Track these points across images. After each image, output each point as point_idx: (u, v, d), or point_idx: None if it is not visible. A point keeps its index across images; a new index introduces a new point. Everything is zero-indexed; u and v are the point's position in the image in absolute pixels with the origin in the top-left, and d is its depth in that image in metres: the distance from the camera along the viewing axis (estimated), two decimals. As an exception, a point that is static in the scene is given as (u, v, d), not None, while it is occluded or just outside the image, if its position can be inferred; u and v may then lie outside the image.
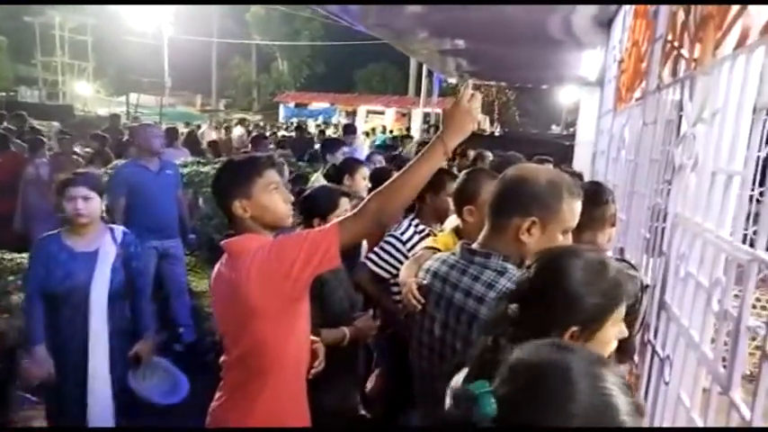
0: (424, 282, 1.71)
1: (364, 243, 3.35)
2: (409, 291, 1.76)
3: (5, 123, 9.35)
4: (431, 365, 1.67)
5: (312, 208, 2.50)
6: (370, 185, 4.06)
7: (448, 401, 1.06)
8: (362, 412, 2.68)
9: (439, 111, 18.06)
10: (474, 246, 1.60)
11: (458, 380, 1.12)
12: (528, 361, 0.81)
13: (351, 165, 3.75)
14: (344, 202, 2.53)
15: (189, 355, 4.52)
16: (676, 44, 2.08)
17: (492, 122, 28.55)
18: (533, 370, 0.79)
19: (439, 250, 2.08)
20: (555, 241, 1.48)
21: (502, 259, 1.52)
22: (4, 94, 23.07)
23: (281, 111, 29.54)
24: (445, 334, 1.60)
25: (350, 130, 7.94)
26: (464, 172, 2.62)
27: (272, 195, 1.83)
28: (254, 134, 11.63)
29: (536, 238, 1.47)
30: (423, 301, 1.70)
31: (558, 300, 1.13)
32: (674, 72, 2.11)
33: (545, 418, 0.75)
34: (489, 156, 5.76)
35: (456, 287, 1.58)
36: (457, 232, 2.57)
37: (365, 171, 3.71)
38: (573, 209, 1.49)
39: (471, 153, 6.20)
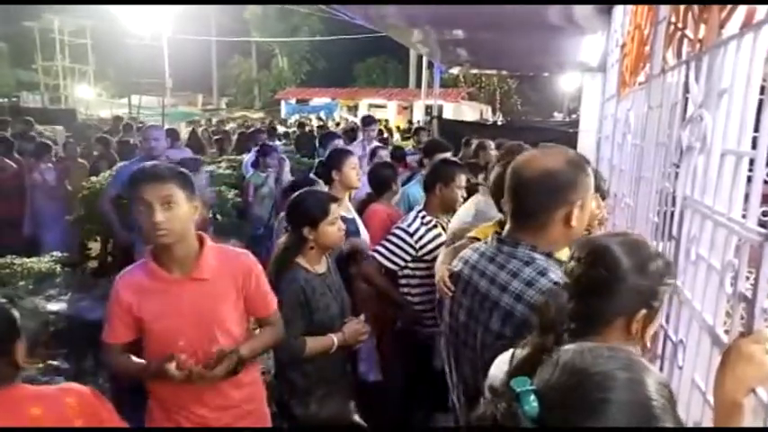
0: (456, 269, 1.75)
1: (366, 237, 3.31)
2: (441, 278, 1.84)
3: (10, 129, 9.36)
4: (456, 351, 1.72)
5: (301, 216, 2.41)
6: (362, 176, 3.97)
7: (485, 395, 1.06)
8: (358, 420, 2.67)
9: (441, 102, 18.02)
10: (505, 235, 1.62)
11: (495, 373, 1.12)
12: (572, 364, 0.79)
13: (336, 157, 3.47)
14: (334, 209, 2.45)
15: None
16: (680, 25, 2.06)
17: (494, 112, 28.48)
18: (577, 375, 0.77)
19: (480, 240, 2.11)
20: (589, 211, 1.56)
21: (529, 249, 1.53)
22: (6, 99, 23.14)
23: (283, 107, 29.51)
24: (468, 320, 1.64)
25: (369, 121, 7.03)
26: (500, 164, 2.52)
27: None
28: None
29: (580, 217, 1.51)
30: (452, 288, 1.74)
31: (623, 288, 1.14)
32: (679, 54, 2.08)
33: (585, 425, 0.74)
34: (491, 145, 5.77)
35: (483, 274, 1.61)
36: (501, 224, 2.57)
37: (354, 160, 3.46)
38: (592, 176, 1.55)
39: (474, 143, 6.19)
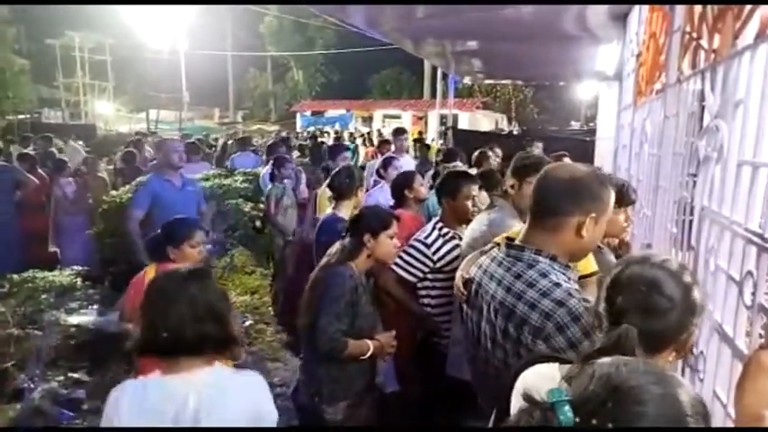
0: (471, 275, 1.81)
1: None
2: (456, 284, 1.93)
3: (32, 145, 9.55)
4: (475, 350, 1.77)
5: (366, 223, 2.55)
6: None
7: (517, 403, 1.07)
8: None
9: (456, 112, 18.02)
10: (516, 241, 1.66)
11: (524, 382, 1.13)
12: (608, 377, 0.80)
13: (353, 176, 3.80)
14: (395, 225, 2.60)
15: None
16: (695, 35, 2.06)
17: (510, 121, 28.41)
18: (613, 387, 0.78)
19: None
20: (602, 231, 1.57)
21: (534, 252, 1.56)
22: (28, 116, 23.61)
23: (298, 120, 29.72)
24: (480, 320, 1.70)
25: (399, 131, 6.80)
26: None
27: None
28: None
29: (592, 232, 1.53)
30: (465, 293, 1.82)
31: (678, 314, 1.14)
32: (694, 64, 2.08)
33: None
34: (499, 153, 5.86)
35: (492, 277, 1.67)
36: None
37: None
38: (612, 198, 1.57)
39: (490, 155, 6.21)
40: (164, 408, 1.52)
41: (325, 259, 2.57)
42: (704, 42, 1.92)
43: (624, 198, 2.27)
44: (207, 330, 1.55)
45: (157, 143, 5.21)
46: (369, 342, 2.48)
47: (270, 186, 5.40)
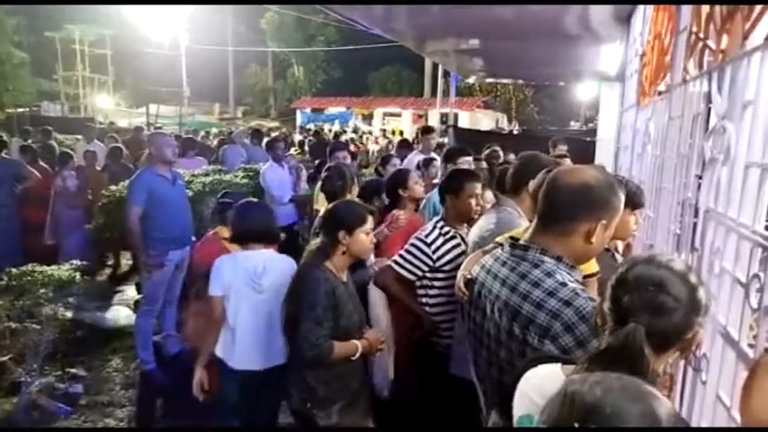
0: (473, 275, 1.79)
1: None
2: (457, 283, 1.90)
3: (31, 139, 9.48)
4: (478, 351, 1.75)
5: (340, 220, 2.49)
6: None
7: (520, 403, 1.09)
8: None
9: (456, 110, 18.00)
10: (521, 241, 1.64)
11: (527, 383, 1.14)
12: (581, 399, 0.79)
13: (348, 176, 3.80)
14: (371, 220, 2.53)
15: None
16: (702, 36, 2.04)
17: (510, 121, 28.41)
18: (587, 410, 0.77)
19: None
20: (610, 235, 1.55)
21: (539, 252, 1.54)
22: (27, 109, 23.52)
23: (299, 116, 29.69)
24: (484, 321, 1.68)
25: (427, 130, 6.63)
26: (543, 173, 2.63)
27: None
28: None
29: (600, 237, 1.51)
30: (466, 293, 1.79)
31: (684, 315, 1.12)
32: (701, 64, 2.07)
33: None
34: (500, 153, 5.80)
35: (496, 277, 1.64)
36: None
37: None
38: (623, 202, 1.53)
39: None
40: (247, 265, 2.74)
41: (302, 261, 2.52)
42: (711, 43, 1.91)
43: (636, 202, 2.27)
44: (264, 230, 2.85)
45: (149, 138, 5.07)
46: (356, 342, 2.44)
47: (308, 188, 5.34)
